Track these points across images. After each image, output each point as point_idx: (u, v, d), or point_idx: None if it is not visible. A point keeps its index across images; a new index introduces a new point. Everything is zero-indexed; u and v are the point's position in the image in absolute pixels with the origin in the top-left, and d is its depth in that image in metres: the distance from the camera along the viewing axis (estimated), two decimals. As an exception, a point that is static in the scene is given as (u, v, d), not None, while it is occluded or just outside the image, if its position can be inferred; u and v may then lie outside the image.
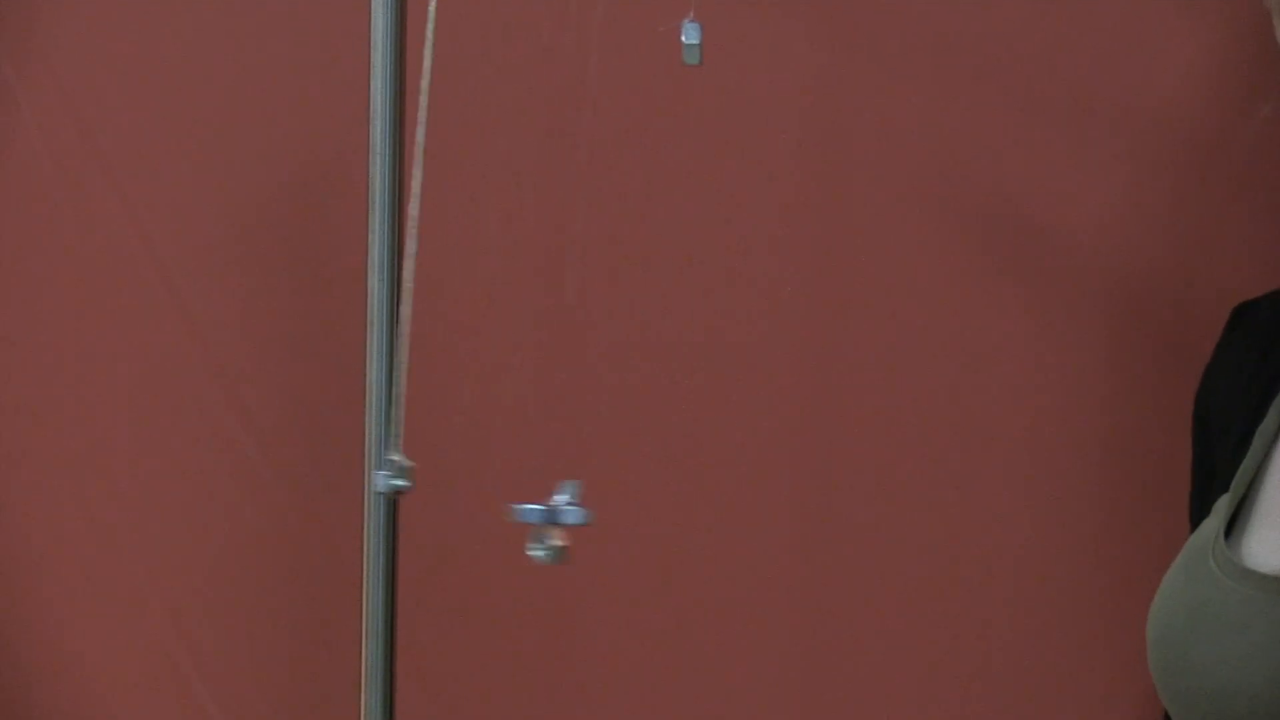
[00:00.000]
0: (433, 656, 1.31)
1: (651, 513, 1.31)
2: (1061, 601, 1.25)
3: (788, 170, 1.29)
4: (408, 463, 1.02)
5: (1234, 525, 0.97)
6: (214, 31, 1.33)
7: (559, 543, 0.98)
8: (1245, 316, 1.10)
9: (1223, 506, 0.97)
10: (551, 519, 0.98)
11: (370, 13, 1.03)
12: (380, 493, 1.01)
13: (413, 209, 1.00)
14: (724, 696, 1.31)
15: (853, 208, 1.29)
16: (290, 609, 1.35)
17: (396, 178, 1.05)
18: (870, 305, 1.29)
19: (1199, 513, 1.03)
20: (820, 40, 1.27)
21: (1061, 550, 1.26)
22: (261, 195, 1.33)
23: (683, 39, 0.92)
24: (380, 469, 1.01)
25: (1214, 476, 1.04)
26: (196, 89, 1.34)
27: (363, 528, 1.05)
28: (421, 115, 1.03)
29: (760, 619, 1.31)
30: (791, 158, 1.29)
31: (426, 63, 1.01)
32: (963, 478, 1.26)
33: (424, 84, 1.01)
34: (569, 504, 0.99)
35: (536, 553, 0.98)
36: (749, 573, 1.31)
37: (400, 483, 1.00)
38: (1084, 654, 1.25)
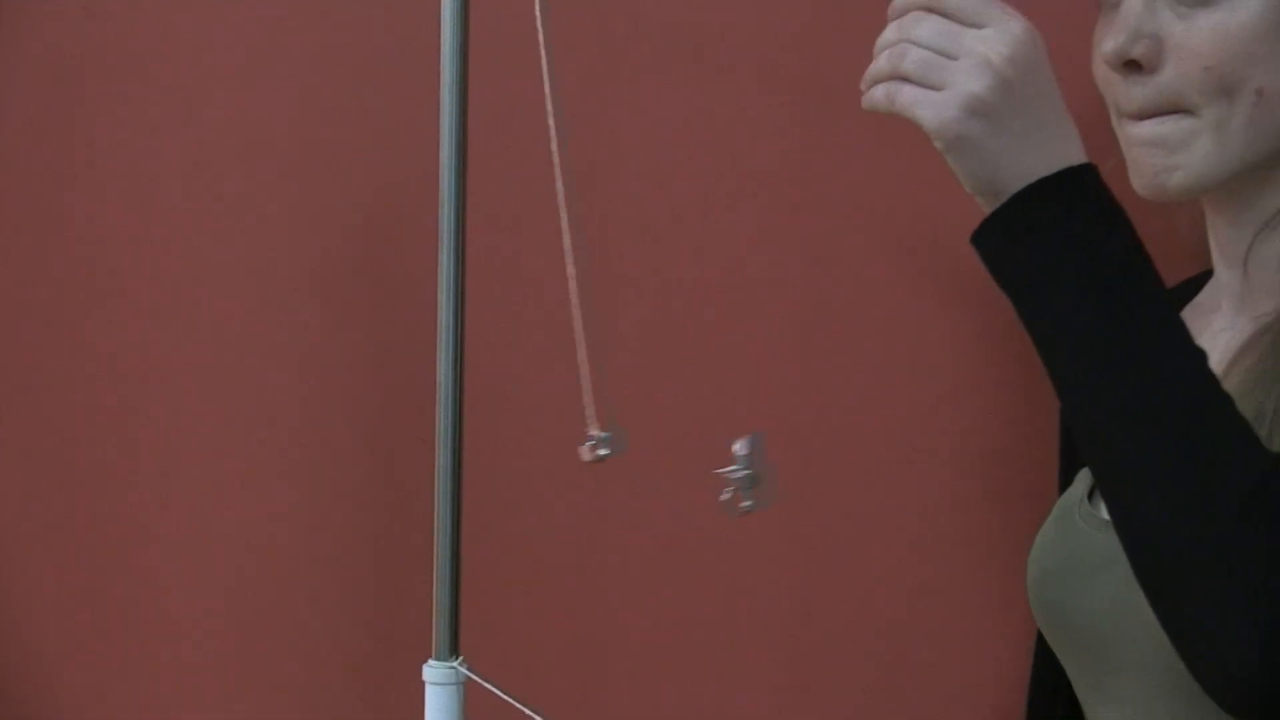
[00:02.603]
0: (495, 602, 1.35)
1: (664, 507, 1.37)
2: (969, 554, 1.33)
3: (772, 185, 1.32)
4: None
5: (1094, 490, 1.06)
6: (308, 93, 1.37)
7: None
8: None
9: (1083, 479, 1.08)
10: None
11: (440, 69, 1.06)
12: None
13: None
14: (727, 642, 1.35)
15: (833, 219, 1.33)
16: (369, 565, 1.39)
17: (462, 215, 1.09)
18: (848, 312, 1.33)
19: (1065, 483, 1.14)
20: (794, 77, 1.30)
21: (971, 512, 1.33)
22: (346, 228, 1.37)
23: None
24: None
25: (1074, 463, 1.15)
26: (291, 142, 1.38)
27: (433, 491, 1.09)
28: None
29: (755, 578, 1.34)
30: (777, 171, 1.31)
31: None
32: (909, 464, 1.34)
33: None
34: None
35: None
36: (746, 555, 1.34)
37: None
38: (980, 595, 1.33)
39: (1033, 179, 0.86)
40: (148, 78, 1.39)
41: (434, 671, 1.07)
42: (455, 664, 1.07)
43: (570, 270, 0.98)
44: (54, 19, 1.39)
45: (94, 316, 1.41)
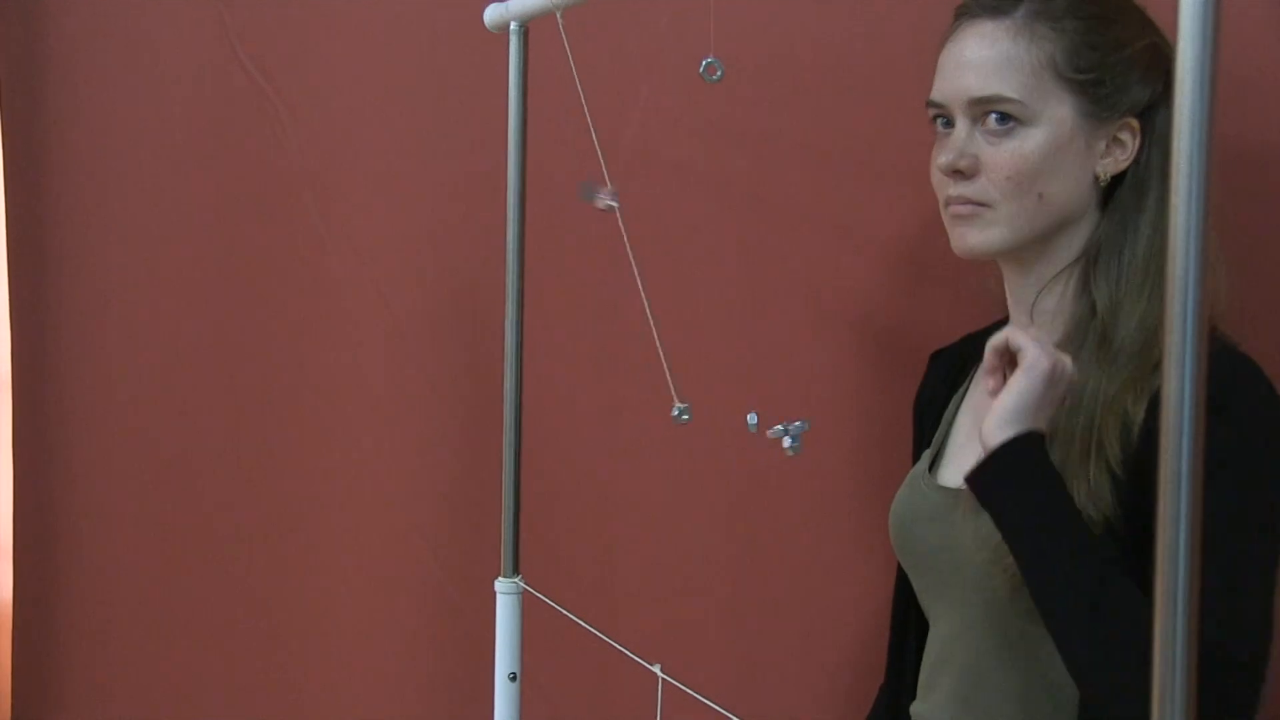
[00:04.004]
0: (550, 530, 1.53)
1: (666, 469, 1.54)
2: (854, 508, 1.53)
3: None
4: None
5: (934, 465, 1.24)
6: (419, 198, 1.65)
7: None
8: (938, 359, 1.37)
9: (926, 456, 1.27)
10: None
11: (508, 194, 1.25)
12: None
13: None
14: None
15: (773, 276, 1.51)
16: (460, 511, 1.62)
17: (522, 280, 1.26)
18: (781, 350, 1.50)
19: (914, 459, 1.33)
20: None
21: (855, 480, 1.53)
22: (449, 284, 1.57)
23: (705, 75, 1.07)
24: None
25: (921, 445, 1.33)
26: (408, 239, 1.66)
27: (501, 460, 1.27)
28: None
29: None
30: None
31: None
32: (821, 450, 1.48)
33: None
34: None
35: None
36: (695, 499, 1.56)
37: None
38: (861, 535, 1.52)
39: (1022, 433, 1.01)
40: (337, 187, 1.67)
41: (502, 584, 1.26)
42: (516, 580, 1.25)
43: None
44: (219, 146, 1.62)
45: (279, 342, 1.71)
